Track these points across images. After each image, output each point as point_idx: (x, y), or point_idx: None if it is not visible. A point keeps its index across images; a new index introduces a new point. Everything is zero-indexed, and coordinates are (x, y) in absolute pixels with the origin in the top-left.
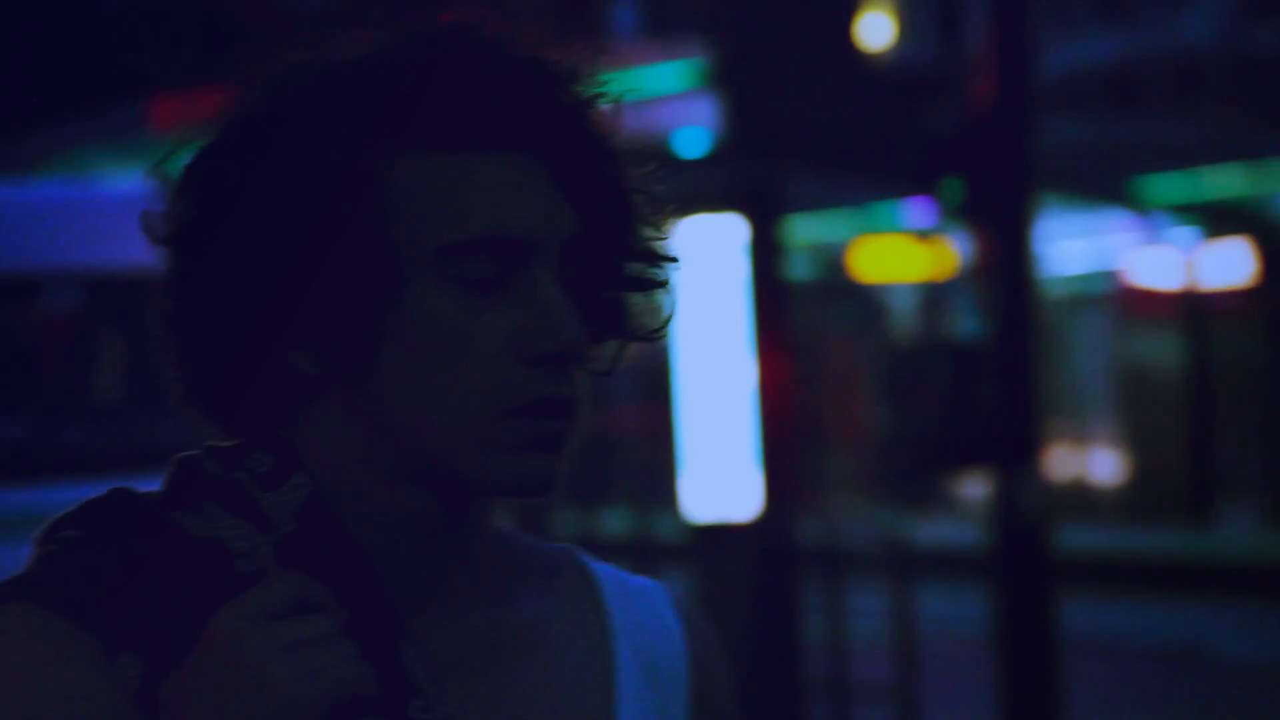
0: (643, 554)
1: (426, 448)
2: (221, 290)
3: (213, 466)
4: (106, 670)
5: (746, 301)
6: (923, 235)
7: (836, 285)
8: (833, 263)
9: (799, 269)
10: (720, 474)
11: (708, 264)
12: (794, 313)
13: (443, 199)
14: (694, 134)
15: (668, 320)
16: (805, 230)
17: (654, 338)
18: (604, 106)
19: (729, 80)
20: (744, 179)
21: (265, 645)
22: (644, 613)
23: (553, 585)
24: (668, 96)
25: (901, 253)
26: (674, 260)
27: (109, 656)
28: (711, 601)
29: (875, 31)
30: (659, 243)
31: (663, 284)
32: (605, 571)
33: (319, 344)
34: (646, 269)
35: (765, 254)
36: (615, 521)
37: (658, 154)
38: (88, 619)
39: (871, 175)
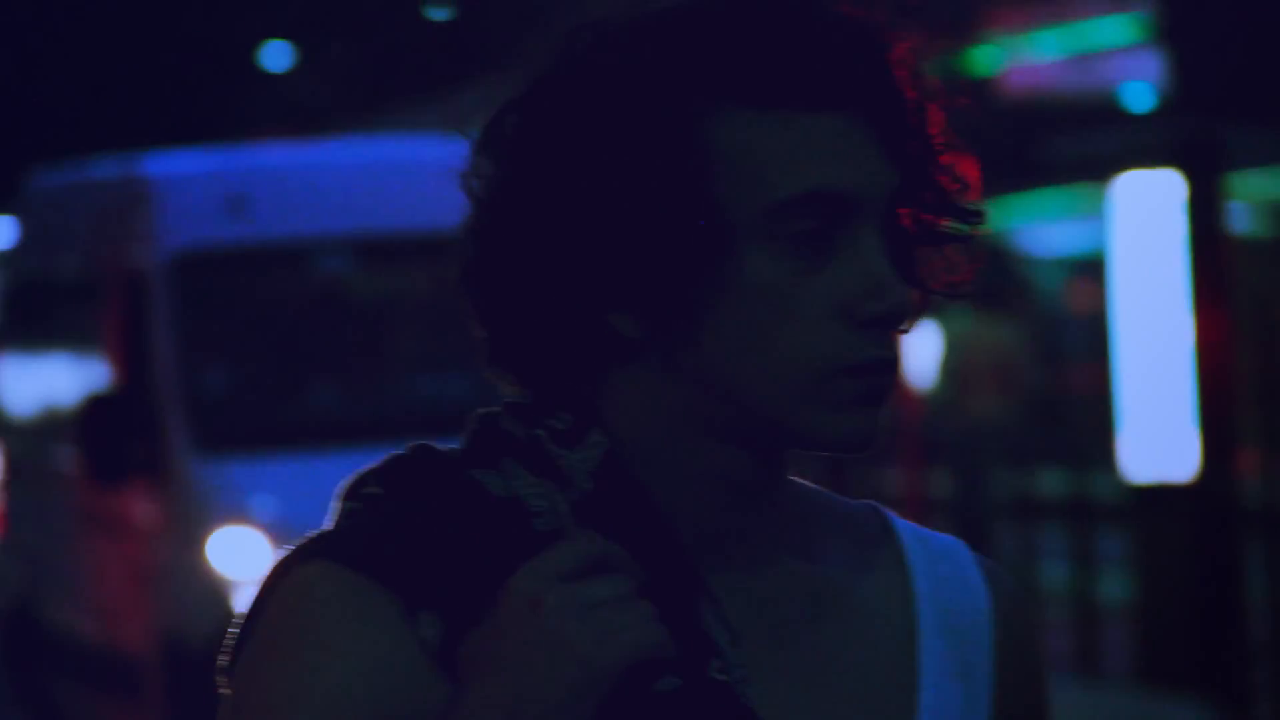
0: (1079, 514)
1: (752, 407)
2: (545, 250)
3: (512, 424)
4: (406, 628)
5: (1185, 258)
6: None
7: None
8: None
9: (1253, 226)
10: (1159, 433)
11: (1147, 220)
12: (1244, 270)
13: (772, 157)
14: (1139, 88)
15: (972, 276)
16: (1261, 187)
17: (959, 294)
18: (926, 66)
19: (1174, 33)
20: (1183, 133)
21: (562, 606)
22: (947, 572)
23: (854, 543)
24: (1113, 50)
25: None
26: (979, 216)
27: (409, 614)
28: (1150, 562)
29: None
30: (966, 198)
31: (968, 239)
32: (907, 529)
33: (643, 305)
34: (955, 225)
35: (1205, 210)
36: (1052, 481)
37: (1102, 108)
38: (388, 577)
39: None
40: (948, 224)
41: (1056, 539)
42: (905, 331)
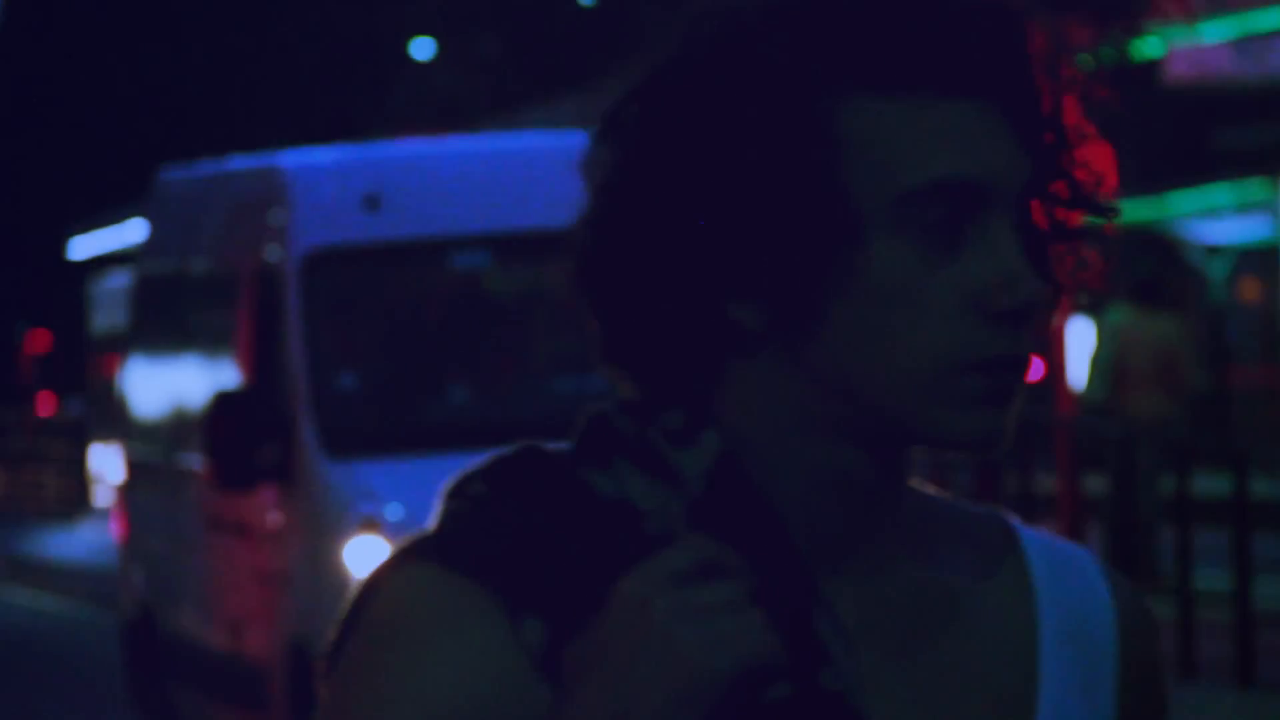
0: (1240, 516)
1: (876, 404)
2: (667, 239)
3: (624, 423)
4: (510, 632)
5: None
6: None
7: None
8: None
9: None
10: None
11: None
12: None
13: (904, 143)
14: None
15: (1104, 274)
16: None
17: (1093, 290)
18: (1085, 53)
19: None
20: None
21: (671, 611)
22: (1071, 581)
23: (976, 550)
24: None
25: None
26: (1113, 212)
27: (513, 618)
28: None
29: None
30: (1102, 193)
31: (1104, 234)
32: (1031, 536)
33: (767, 295)
34: (1089, 220)
35: None
36: (1213, 483)
37: (1269, 95)
38: (493, 579)
39: None
40: (1081, 219)
41: (1216, 542)
42: (1038, 328)
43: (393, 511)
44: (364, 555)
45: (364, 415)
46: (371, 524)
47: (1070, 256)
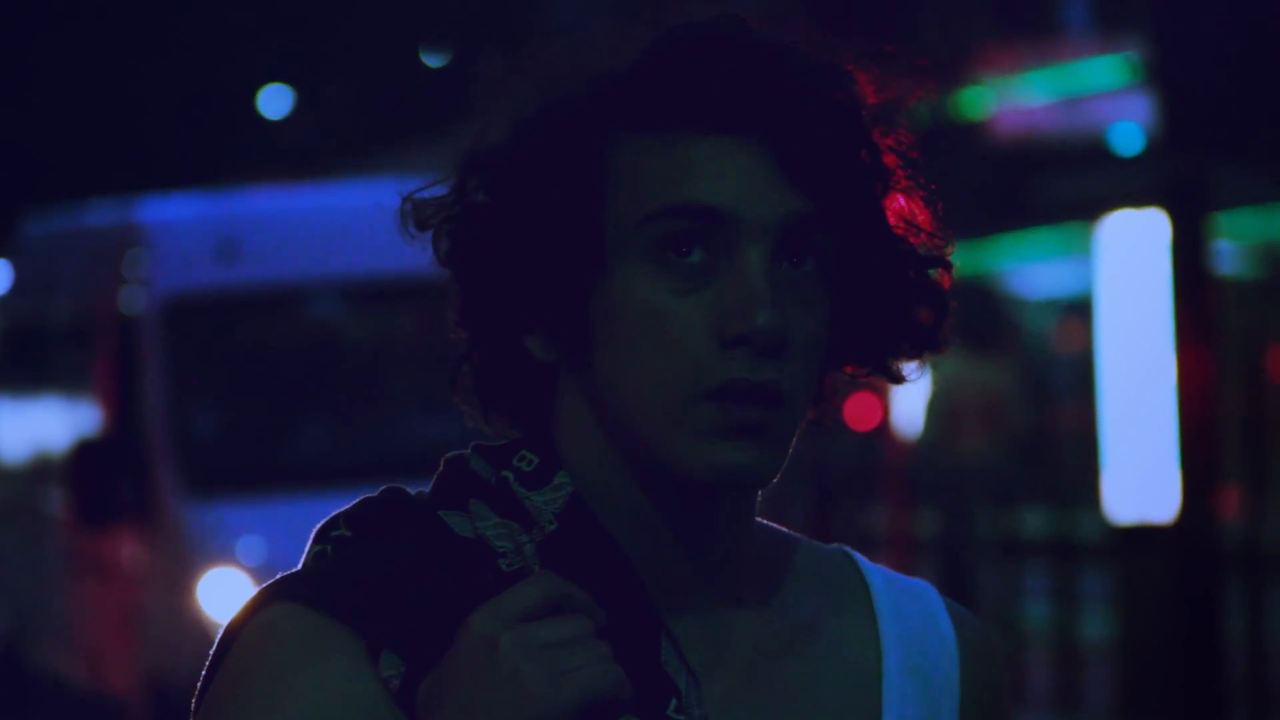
0: (1062, 554)
1: (632, 433)
2: (470, 273)
3: (480, 466)
4: (368, 668)
5: (1170, 298)
6: None
7: None
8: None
9: (1239, 266)
10: (1142, 473)
11: (1134, 260)
12: (1230, 310)
13: (654, 175)
14: (1127, 129)
15: (935, 329)
16: (1248, 227)
17: (930, 347)
18: (904, 105)
19: (1162, 74)
20: (1171, 173)
21: (518, 647)
22: (915, 615)
23: (821, 585)
24: (1105, 92)
25: None
26: (943, 264)
27: (371, 655)
28: (1131, 601)
29: None
30: (911, 235)
31: (927, 290)
32: (875, 572)
33: (546, 326)
34: (908, 271)
35: (1191, 250)
36: (1037, 521)
37: (1090, 149)
38: (351, 617)
39: None
40: (885, 263)
41: (1040, 578)
42: (786, 358)
43: (249, 550)
44: (220, 593)
45: (221, 456)
46: (228, 562)
47: (885, 304)
